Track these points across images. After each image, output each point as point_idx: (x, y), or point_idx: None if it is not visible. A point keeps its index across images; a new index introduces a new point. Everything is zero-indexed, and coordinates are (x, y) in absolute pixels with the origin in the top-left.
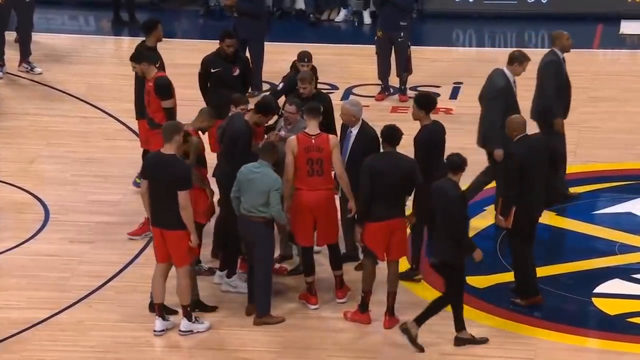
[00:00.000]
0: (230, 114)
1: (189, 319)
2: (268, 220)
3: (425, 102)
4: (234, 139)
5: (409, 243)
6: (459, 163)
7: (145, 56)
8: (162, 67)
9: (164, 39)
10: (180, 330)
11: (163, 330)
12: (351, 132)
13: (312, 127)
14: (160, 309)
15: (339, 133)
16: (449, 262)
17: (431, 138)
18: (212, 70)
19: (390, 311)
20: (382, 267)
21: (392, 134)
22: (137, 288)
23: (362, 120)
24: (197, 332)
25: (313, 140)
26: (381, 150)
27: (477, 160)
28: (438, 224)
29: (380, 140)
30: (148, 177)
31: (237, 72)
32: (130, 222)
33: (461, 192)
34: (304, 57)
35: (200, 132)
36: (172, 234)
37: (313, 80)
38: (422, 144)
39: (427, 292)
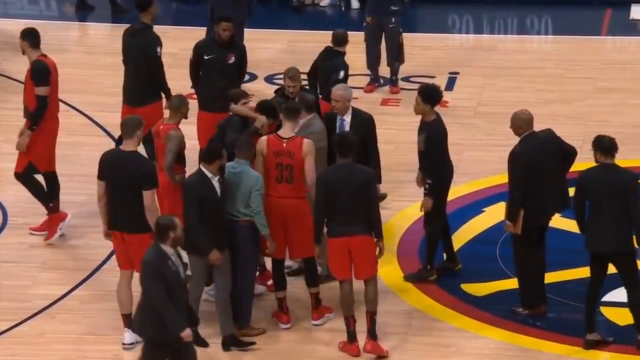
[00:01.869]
0: (230, 115)
1: None
2: (252, 223)
3: (432, 95)
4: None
5: (375, 260)
6: (609, 145)
7: (27, 34)
8: (158, 46)
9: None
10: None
11: (133, 344)
12: (343, 120)
13: (287, 129)
14: (129, 320)
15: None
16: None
17: (444, 134)
18: (206, 58)
19: (370, 334)
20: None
21: (345, 143)
22: (104, 297)
23: (352, 106)
24: None
25: (284, 144)
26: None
27: (471, 158)
28: (604, 211)
29: (335, 151)
30: (106, 177)
31: (232, 59)
32: (98, 225)
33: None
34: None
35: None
36: (135, 237)
37: (300, 78)
38: (439, 140)
39: (422, 300)
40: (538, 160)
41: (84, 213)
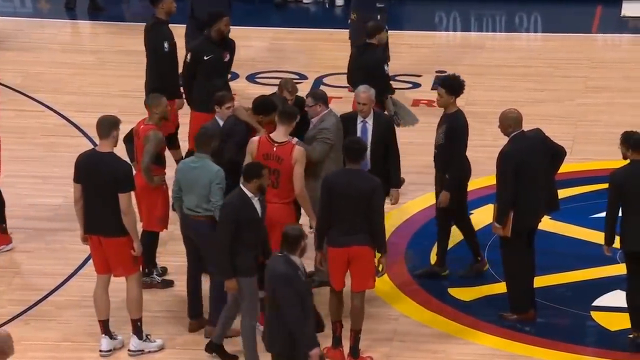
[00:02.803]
0: (231, 116)
1: (140, 337)
2: (213, 219)
3: (456, 85)
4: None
5: (373, 273)
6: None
7: None
8: (166, 41)
9: (109, 23)
10: (129, 350)
11: (110, 350)
12: (366, 122)
13: (280, 133)
14: (106, 326)
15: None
16: None
17: (466, 126)
18: (205, 58)
19: (352, 352)
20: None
21: (356, 149)
22: (80, 303)
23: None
24: (149, 351)
25: (275, 148)
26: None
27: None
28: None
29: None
30: (82, 180)
31: (227, 57)
32: (75, 228)
33: None
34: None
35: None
36: (111, 241)
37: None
38: (461, 131)
39: (409, 305)
40: (527, 160)
41: (60, 216)
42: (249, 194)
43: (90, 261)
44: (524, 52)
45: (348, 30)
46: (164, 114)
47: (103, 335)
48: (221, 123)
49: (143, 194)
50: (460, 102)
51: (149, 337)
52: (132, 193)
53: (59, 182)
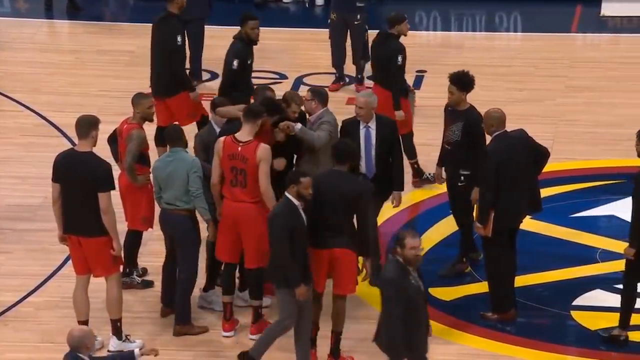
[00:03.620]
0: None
1: (119, 337)
2: (192, 214)
3: (467, 81)
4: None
5: (354, 277)
6: None
7: None
8: (179, 35)
9: (88, 22)
10: (109, 351)
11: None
12: (369, 127)
13: (244, 132)
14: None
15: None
16: None
17: (481, 120)
18: (249, 62)
19: (333, 354)
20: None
21: (344, 149)
22: (59, 304)
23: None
24: None
25: (239, 148)
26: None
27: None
28: None
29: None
30: (61, 179)
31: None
32: (53, 229)
33: None
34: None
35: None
36: (91, 241)
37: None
38: (478, 125)
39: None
40: (509, 160)
41: (39, 216)
42: (295, 202)
43: (70, 262)
44: (504, 51)
45: (328, 30)
46: (145, 114)
47: None
48: (217, 128)
49: (127, 193)
50: (440, 101)
51: (128, 337)
52: (112, 192)
53: (38, 182)
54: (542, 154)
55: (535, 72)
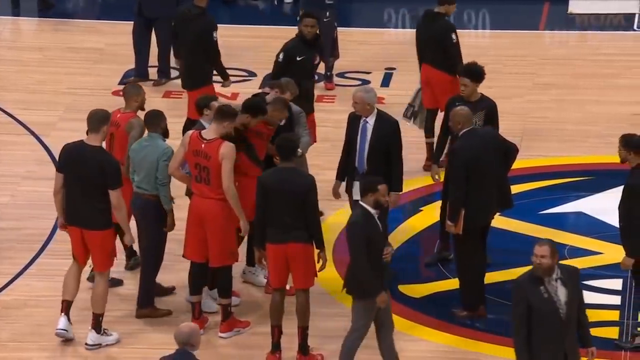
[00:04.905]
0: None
1: (98, 331)
2: (158, 199)
3: (479, 72)
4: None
5: (312, 270)
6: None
7: None
8: (214, 30)
9: (56, 20)
10: (87, 344)
11: (66, 330)
12: (367, 122)
13: (210, 130)
14: (67, 307)
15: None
16: None
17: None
18: (298, 59)
19: (301, 349)
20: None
21: (287, 146)
22: (28, 302)
23: (377, 108)
24: (106, 345)
25: (203, 145)
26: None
27: (408, 156)
28: None
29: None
30: (66, 170)
31: (317, 60)
32: (20, 227)
33: None
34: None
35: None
36: (95, 234)
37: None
38: (496, 112)
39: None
40: (478, 157)
41: (7, 215)
42: (371, 210)
43: (38, 260)
44: (472, 49)
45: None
46: (142, 103)
47: (63, 314)
48: (207, 126)
49: (126, 181)
50: (410, 99)
51: (105, 330)
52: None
53: (6, 181)
54: (511, 151)
55: (503, 69)
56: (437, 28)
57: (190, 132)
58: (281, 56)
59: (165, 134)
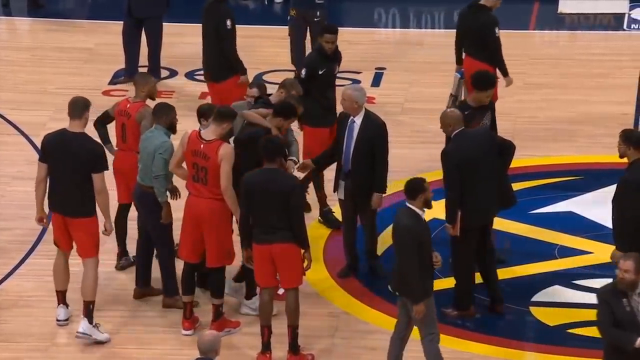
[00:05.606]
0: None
1: (90, 321)
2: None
3: (492, 80)
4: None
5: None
6: None
7: None
8: (228, 19)
9: (46, 19)
10: (78, 332)
11: (67, 320)
12: (354, 121)
13: (209, 130)
14: (63, 297)
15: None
16: None
17: None
18: (320, 72)
19: (292, 348)
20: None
21: (271, 147)
22: (17, 303)
23: (365, 107)
24: (95, 340)
25: (202, 146)
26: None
27: (398, 155)
28: None
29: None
30: (50, 159)
31: (337, 70)
32: (9, 227)
33: None
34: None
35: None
36: (78, 222)
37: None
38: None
39: (348, 302)
40: (471, 158)
41: None
42: (419, 212)
43: (28, 260)
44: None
45: (287, 26)
46: (151, 93)
47: (60, 305)
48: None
49: (128, 173)
50: (400, 99)
51: (97, 325)
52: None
53: None
54: (507, 149)
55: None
56: (481, 21)
57: (189, 131)
58: (303, 72)
59: (171, 128)
